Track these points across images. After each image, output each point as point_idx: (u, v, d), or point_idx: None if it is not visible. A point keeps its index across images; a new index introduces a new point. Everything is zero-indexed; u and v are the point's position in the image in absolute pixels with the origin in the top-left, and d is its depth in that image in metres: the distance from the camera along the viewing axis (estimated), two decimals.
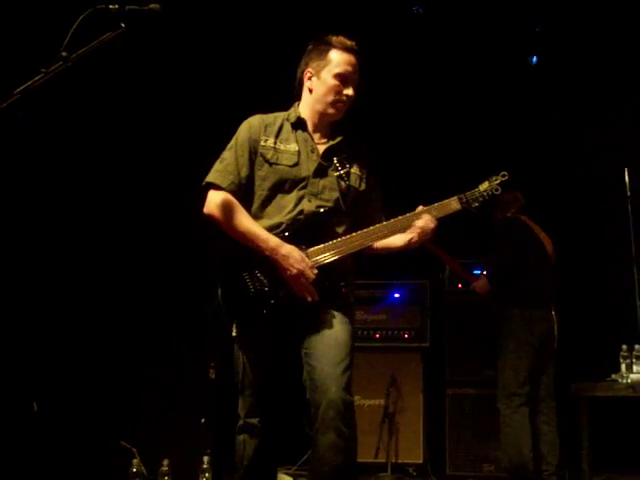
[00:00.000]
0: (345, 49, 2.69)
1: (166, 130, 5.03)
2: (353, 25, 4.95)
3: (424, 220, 2.64)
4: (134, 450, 4.42)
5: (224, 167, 2.70)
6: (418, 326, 5.12)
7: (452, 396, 5.04)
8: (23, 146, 4.21)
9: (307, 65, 2.74)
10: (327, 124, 2.75)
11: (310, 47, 2.77)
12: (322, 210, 2.63)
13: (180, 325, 4.84)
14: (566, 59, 5.28)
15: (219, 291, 2.64)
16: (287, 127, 2.75)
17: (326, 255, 2.59)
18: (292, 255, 2.54)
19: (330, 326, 2.59)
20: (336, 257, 2.59)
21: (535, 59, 5.47)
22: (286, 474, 4.73)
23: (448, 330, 5.13)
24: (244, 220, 2.63)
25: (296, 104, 2.80)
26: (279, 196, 2.66)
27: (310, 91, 2.74)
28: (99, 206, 4.89)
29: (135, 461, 4.35)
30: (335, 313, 2.62)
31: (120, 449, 4.43)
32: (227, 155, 2.72)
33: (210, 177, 2.70)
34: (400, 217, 2.68)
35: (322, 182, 2.67)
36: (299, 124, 2.74)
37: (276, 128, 2.73)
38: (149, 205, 4.98)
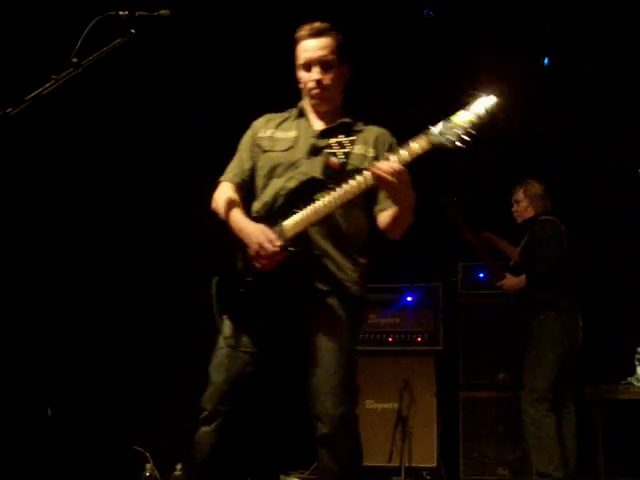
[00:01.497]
0: (304, 37, 2.69)
1: (172, 130, 5.04)
2: (363, 29, 5.00)
3: (378, 165, 2.35)
4: (147, 454, 4.43)
5: (230, 166, 2.84)
6: (431, 329, 5.09)
7: (466, 399, 5.01)
8: (29, 147, 4.22)
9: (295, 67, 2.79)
10: (328, 111, 2.75)
11: None
12: (299, 184, 2.59)
13: (194, 330, 4.84)
14: (579, 60, 5.25)
15: (214, 281, 2.68)
16: (291, 118, 2.81)
17: (298, 224, 2.53)
18: (252, 232, 2.55)
19: (327, 326, 2.56)
20: (305, 225, 2.52)
21: (547, 60, 5.44)
22: (299, 479, 4.72)
23: (461, 333, 5.10)
24: (228, 207, 2.70)
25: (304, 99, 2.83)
26: (273, 181, 2.69)
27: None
28: (113, 212, 4.92)
29: (148, 465, 4.36)
30: (333, 309, 2.58)
31: (133, 453, 4.44)
32: (235, 156, 2.85)
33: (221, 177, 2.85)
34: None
35: (314, 162, 2.65)
36: (301, 113, 2.80)
37: (278, 121, 2.80)
38: (161, 212, 5.00)
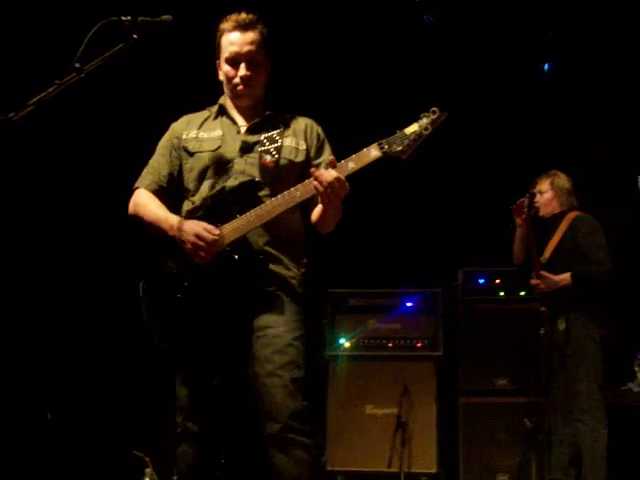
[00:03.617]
0: (231, 29, 2.62)
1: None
2: (365, 35, 5.02)
3: (319, 174, 2.38)
4: (147, 459, 4.43)
5: (146, 170, 2.75)
6: (431, 335, 5.08)
7: (465, 405, 5.00)
8: (29, 148, 4.23)
9: (216, 59, 2.73)
10: (250, 106, 2.70)
11: None
12: (238, 185, 2.54)
13: None
14: (579, 65, 5.27)
15: (140, 287, 2.61)
16: (211, 117, 2.74)
17: (239, 229, 2.47)
18: (187, 226, 2.49)
19: (275, 323, 2.48)
20: (247, 231, 2.47)
21: (547, 66, 5.46)
22: None
23: (461, 339, 5.10)
24: (151, 208, 2.64)
25: (223, 96, 2.77)
26: (206, 182, 2.62)
27: (223, 82, 2.73)
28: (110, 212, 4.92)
29: (148, 470, 4.35)
30: (282, 307, 2.51)
31: (133, 458, 4.44)
32: (151, 160, 2.77)
33: (136, 183, 2.75)
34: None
35: (248, 159, 2.60)
36: (221, 111, 2.73)
37: (200, 121, 2.73)
38: None
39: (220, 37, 2.66)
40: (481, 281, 5.18)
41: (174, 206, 2.67)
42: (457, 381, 5.05)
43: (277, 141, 2.61)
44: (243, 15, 2.63)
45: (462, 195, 5.49)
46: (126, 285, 4.89)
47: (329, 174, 2.35)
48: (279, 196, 2.44)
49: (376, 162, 2.39)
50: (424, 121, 2.38)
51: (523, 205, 4.43)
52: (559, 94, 5.31)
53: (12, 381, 4.30)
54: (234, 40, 2.61)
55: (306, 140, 2.68)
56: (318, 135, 2.72)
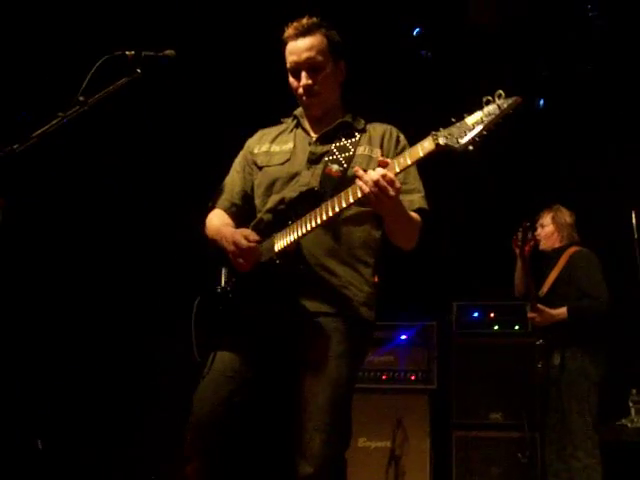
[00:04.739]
0: (291, 38, 2.47)
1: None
2: (361, 70, 5.07)
3: (362, 173, 2.14)
4: None
5: (221, 188, 2.66)
6: (425, 368, 5.08)
7: (459, 439, 4.98)
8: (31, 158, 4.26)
9: None
10: (322, 115, 2.55)
11: None
12: (298, 195, 2.38)
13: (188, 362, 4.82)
14: (572, 101, 5.33)
15: (195, 303, 2.49)
16: (288, 129, 2.63)
17: (286, 237, 2.30)
18: (228, 234, 2.38)
19: (324, 354, 2.28)
20: (294, 239, 2.28)
21: (542, 102, 5.52)
22: None
23: (455, 372, 5.09)
24: (213, 223, 2.56)
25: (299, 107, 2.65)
26: (273, 197, 2.49)
27: None
28: (113, 224, 4.95)
29: None
30: (334, 334, 2.30)
31: None
32: (226, 177, 2.70)
33: (211, 201, 2.69)
34: None
35: (315, 171, 2.44)
36: (296, 122, 2.62)
37: (274, 135, 2.63)
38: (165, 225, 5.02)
39: (284, 47, 2.51)
40: (475, 315, 5.19)
41: (248, 225, 2.56)
42: (451, 415, 5.03)
43: (349, 150, 2.44)
44: (303, 20, 2.48)
45: (457, 228, 5.51)
46: (116, 303, 4.92)
47: (374, 172, 2.10)
48: (329, 200, 2.24)
49: (434, 156, 2.07)
50: (489, 109, 2.02)
51: (519, 238, 4.48)
52: (554, 129, 5.37)
53: (2, 410, 4.27)
54: (293, 49, 2.46)
55: (382, 147, 2.49)
56: (397, 140, 2.53)
